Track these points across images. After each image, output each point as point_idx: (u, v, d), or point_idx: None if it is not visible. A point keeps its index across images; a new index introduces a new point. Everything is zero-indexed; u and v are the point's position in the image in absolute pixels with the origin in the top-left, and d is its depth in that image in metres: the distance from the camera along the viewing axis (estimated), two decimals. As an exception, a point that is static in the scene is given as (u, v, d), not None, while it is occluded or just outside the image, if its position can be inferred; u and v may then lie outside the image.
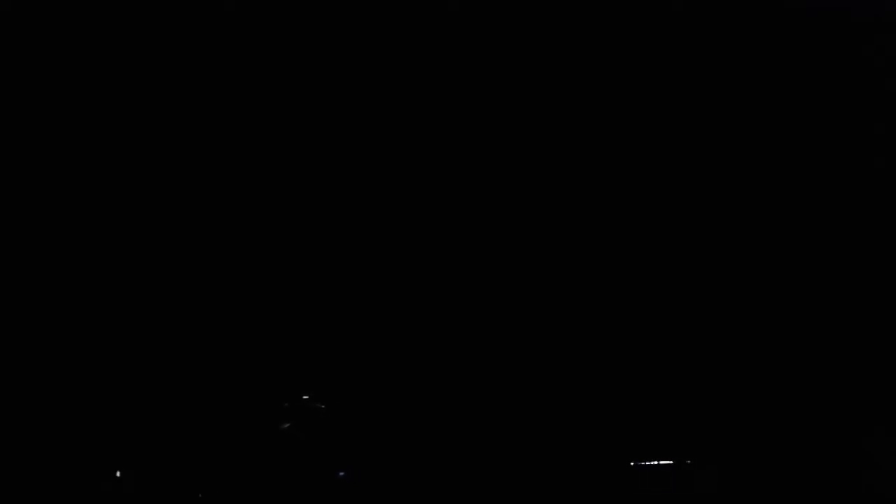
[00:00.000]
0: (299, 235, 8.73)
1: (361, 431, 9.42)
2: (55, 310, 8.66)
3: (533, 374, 9.60)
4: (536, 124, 8.04)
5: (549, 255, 9.00)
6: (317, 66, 7.27)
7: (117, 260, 8.64)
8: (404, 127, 7.95)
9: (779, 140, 7.80)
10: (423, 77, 7.55)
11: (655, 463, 9.60)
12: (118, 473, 8.98)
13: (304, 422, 9.15)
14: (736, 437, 9.27)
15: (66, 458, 8.84)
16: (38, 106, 7.29)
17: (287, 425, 9.11)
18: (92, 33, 6.65)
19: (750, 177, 8.09)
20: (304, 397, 9.19)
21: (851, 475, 8.77)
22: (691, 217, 8.48)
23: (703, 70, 7.62)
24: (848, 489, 8.74)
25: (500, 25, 7.34)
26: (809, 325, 8.74)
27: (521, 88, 7.81)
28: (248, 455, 9.13)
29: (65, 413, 8.91)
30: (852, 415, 8.77)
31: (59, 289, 8.63)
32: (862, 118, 7.40)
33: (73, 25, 6.56)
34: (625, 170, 8.28)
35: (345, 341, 9.37)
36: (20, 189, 7.84)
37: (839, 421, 8.84)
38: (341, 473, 9.20)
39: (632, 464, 9.61)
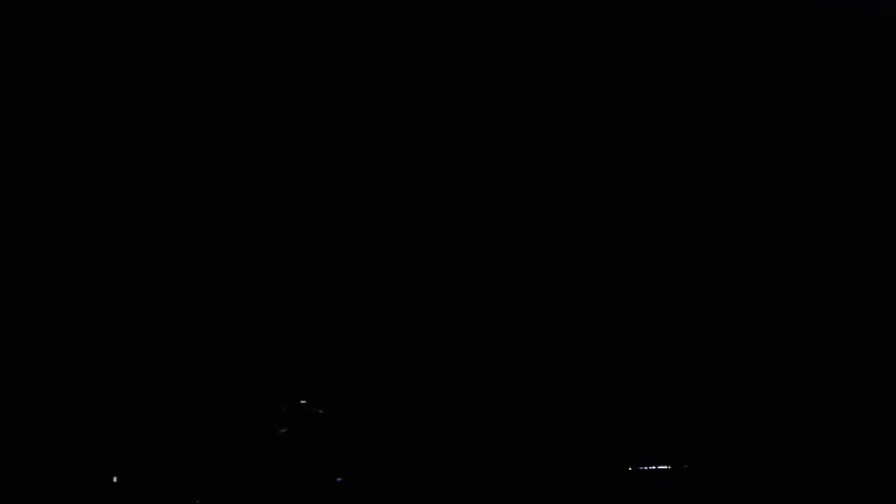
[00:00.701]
0: (296, 240, 8.67)
1: (359, 435, 9.33)
2: (52, 312, 8.56)
3: (531, 378, 9.54)
4: (536, 124, 8.01)
5: (546, 258, 8.96)
6: (316, 66, 7.23)
7: (113, 262, 8.55)
8: (404, 127, 7.91)
9: (779, 140, 7.79)
10: (423, 77, 7.52)
11: (654, 468, 9.55)
12: (115, 479, 8.85)
13: (301, 426, 9.06)
14: (735, 440, 9.23)
15: (63, 461, 8.72)
16: (38, 106, 7.23)
17: (284, 429, 9.01)
18: (92, 33, 6.60)
19: (749, 177, 8.08)
20: (302, 401, 9.11)
21: (851, 479, 8.74)
22: (691, 217, 8.46)
23: (703, 70, 7.62)
24: (847, 493, 8.71)
25: (500, 25, 7.32)
26: (809, 327, 8.72)
27: (521, 88, 7.79)
28: (246, 459, 9.02)
29: (61, 416, 8.79)
30: (851, 418, 8.75)
31: (56, 291, 8.53)
32: (862, 118, 7.40)
33: (73, 25, 6.51)
34: (624, 169, 8.26)
35: (342, 345, 9.29)
36: (20, 189, 7.76)
37: (838, 424, 8.81)
38: (339, 479, 9.10)
39: (630, 468, 9.56)
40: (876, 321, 8.32)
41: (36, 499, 8.45)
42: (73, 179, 7.84)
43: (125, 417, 8.96)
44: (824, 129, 7.60)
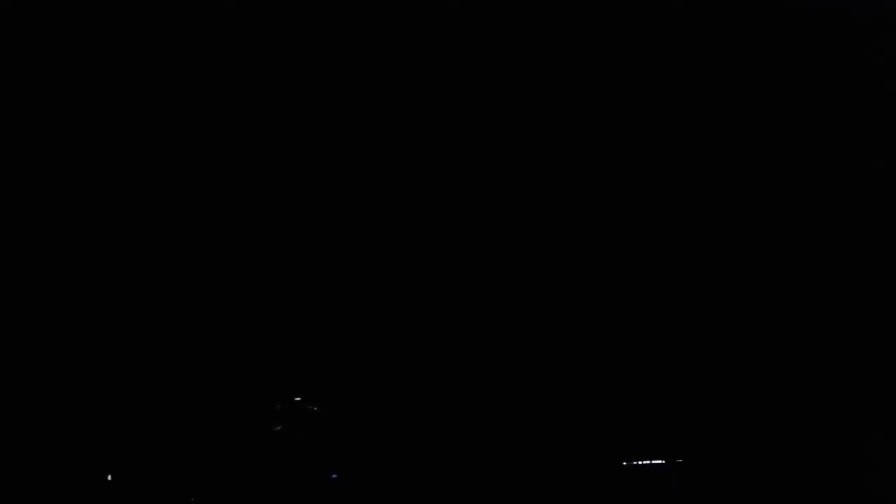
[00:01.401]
0: (290, 239, 8.68)
1: (355, 433, 9.34)
2: (48, 312, 8.57)
3: (527, 374, 9.54)
4: (536, 124, 8.02)
5: (540, 255, 8.97)
6: (316, 66, 7.23)
7: (109, 262, 8.55)
8: (404, 127, 7.92)
9: (778, 140, 7.80)
10: (423, 77, 7.53)
11: (648, 462, 9.55)
12: (109, 477, 8.85)
13: (296, 424, 9.06)
14: (734, 440, 9.22)
15: (57, 459, 8.72)
16: (38, 106, 7.24)
17: (279, 427, 9.01)
18: (92, 33, 6.61)
19: (749, 177, 8.08)
20: (297, 399, 9.11)
21: (850, 479, 8.73)
22: (691, 216, 8.46)
23: (703, 70, 7.62)
24: (847, 493, 8.70)
25: (500, 25, 7.33)
26: (808, 326, 8.72)
27: (521, 88, 7.80)
28: (241, 457, 9.02)
29: (56, 415, 8.79)
30: (851, 418, 8.74)
31: (52, 291, 8.54)
32: (862, 118, 7.40)
33: (73, 25, 6.52)
34: (623, 169, 8.26)
35: (337, 342, 9.30)
36: (20, 189, 7.78)
37: (838, 424, 8.81)
38: (334, 476, 9.10)
39: (624, 463, 9.56)
40: (876, 321, 8.32)
41: (32, 498, 8.46)
42: (72, 179, 7.85)
43: (120, 416, 8.97)
44: (824, 129, 7.61)
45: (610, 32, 7.45)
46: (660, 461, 9.46)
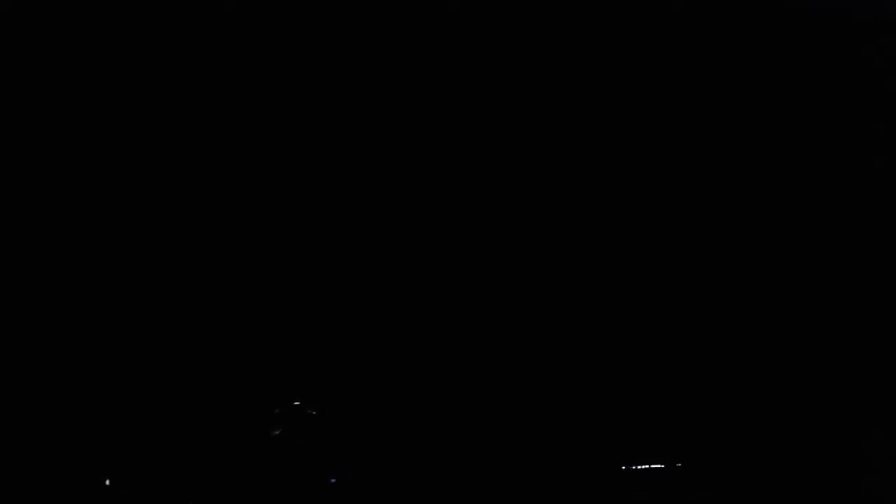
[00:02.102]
0: (288, 241, 8.67)
1: (354, 436, 9.31)
2: (47, 312, 8.54)
3: (526, 375, 9.54)
4: (536, 125, 8.02)
5: (538, 256, 8.97)
6: (316, 66, 7.23)
7: (107, 262, 8.53)
8: (403, 127, 7.92)
9: (778, 140, 7.81)
10: (423, 77, 7.53)
11: (647, 467, 9.55)
12: (107, 481, 8.81)
13: (295, 427, 9.03)
14: (733, 440, 9.23)
15: (55, 460, 8.68)
16: (38, 106, 7.23)
17: (278, 431, 8.98)
18: (92, 33, 6.60)
19: (749, 177, 8.09)
20: (296, 403, 9.08)
21: (850, 479, 8.74)
22: (690, 216, 8.47)
23: (703, 70, 7.64)
24: (847, 493, 8.71)
25: (500, 25, 7.33)
26: (808, 326, 8.72)
27: (521, 88, 7.80)
28: (239, 460, 8.99)
29: (55, 417, 8.75)
30: (851, 418, 8.75)
31: (51, 291, 8.51)
32: (862, 118, 7.42)
33: (73, 25, 6.51)
34: (622, 169, 8.27)
35: (336, 345, 9.28)
36: (20, 189, 7.75)
37: (838, 424, 8.82)
38: (332, 480, 9.07)
39: (623, 467, 9.56)
40: (876, 321, 8.33)
41: (31, 498, 8.42)
42: (72, 179, 7.83)
43: (118, 419, 8.93)
44: (824, 129, 7.62)
45: (610, 32, 7.47)
46: (659, 466, 9.46)
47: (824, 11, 6.99)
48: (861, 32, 7.00)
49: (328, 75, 7.21)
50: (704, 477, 9.29)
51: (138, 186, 8.02)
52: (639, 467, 9.47)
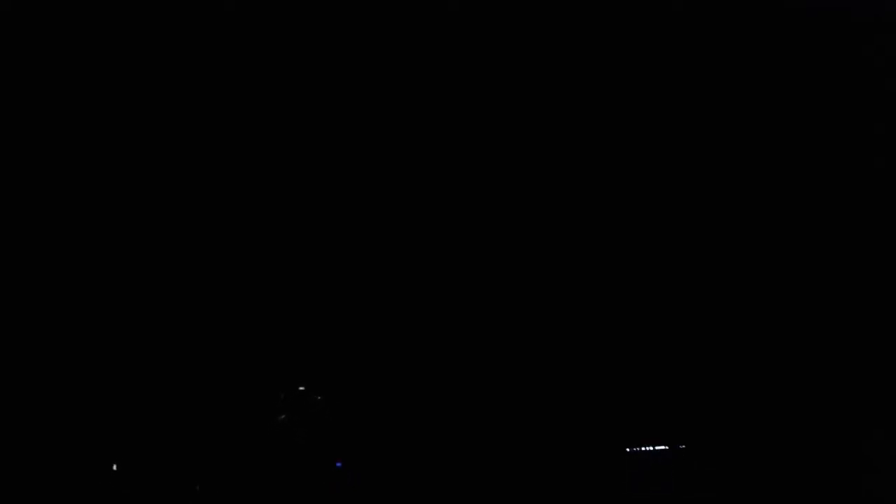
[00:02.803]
0: (295, 231, 8.79)
1: (359, 422, 9.46)
2: (53, 306, 8.75)
3: (528, 363, 9.61)
4: (536, 125, 8.07)
5: (541, 249, 9.02)
6: (316, 66, 7.32)
7: (114, 257, 8.71)
8: (403, 127, 8.00)
9: (779, 140, 7.79)
10: (423, 77, 7.60)
11: (650, 449, 9.58)
12: (115, 466, 9.03)
13: (300, 413, 9.20)
14: (734, 440, 9.23)
15: (63, 448, 8.91)
16: (38, 106, 7.37)
17: (283, 416, 9.16)
18: (92, 33, 6.73)
19: (750, 176, 8.08)
20: (301, 388, 9.24)
21: (851, 479, 8.71)
22: (692, 215, 8.48)
23: (703, 70, 7.62)
24: (847, 493, 8.68)
25: (500, 25, 7.38)
26: (808, 326, 8.70)
27: (521, 89, 7.85)
28: (245, 446, 9.18)
29: (61, 407, 8.98)
30: (852, 418, 8.72)
31: (57, 286, 8.72)
32: (862, 118, 7.37)
33: (73, 25, 6.63)
34: (623, 168, 8.30)
35: (340, 333, 9.41)
36: (20, 189, 7.93)
37: (838, 424, 8.79)
38: (338, 464, 9.24)
39: (627, 450, 9.59)
40: (876, 321, 8.28)
41: (38, 483, 8.64)
42: (72, 179, 8.01)
43: (126, 407, 9.13)
44: (824, 129, 7.58)
45: (610, 32, 7.48)
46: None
47: (824, 11, 6.95)
48: (861, 32, 6.95)
49: (328, 75, 7.31)
50: (706, 474, 9.32)
51: (145, 184, 8.20)
52: (642, 450, 9.53)
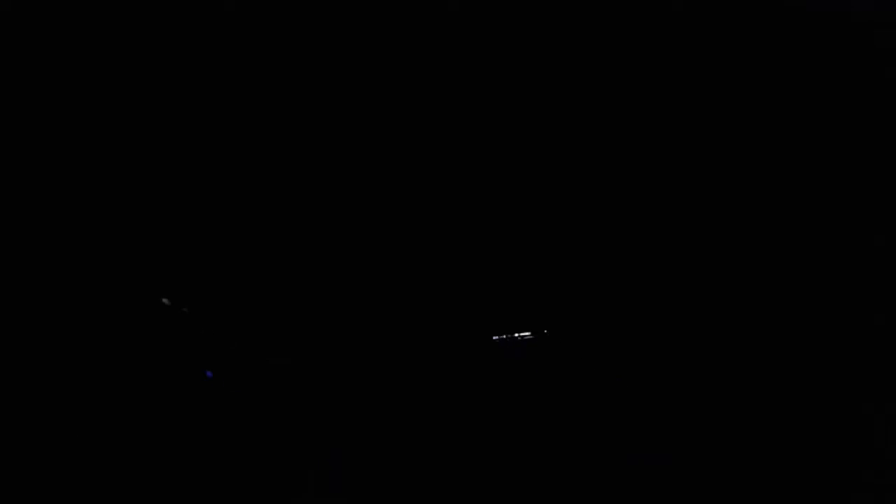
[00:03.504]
0: (289, 232, 8.75)
1: (355, 421, 9.42)
2: (53, 306, 8.69)
3: (529, 363, 9.59)
4: (537, 125, 8.06)
5: (541, 249, 9.02)
6: (316, 66, 7.29)
7: (112, 256, 8.67)
8: (403, 127, 7.98)
9: (778, 140, 7.80)
10: (422, 77, 7.58)
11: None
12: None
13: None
14: (734, 440, 9.25)
15: (59, 441, 8.85)
16: (38, 106, 7.33)
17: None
18: (92, 33, 6.69)
19: (749, 177, 8.10)
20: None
21: (850, 479, 8.74)
22: (692, 215, 8.49)
23: (703, 70, 7.64)
24: (847, 493, 8.71)
25: (500, 25, 7.37)
26: (808, 326, 8.72)
27: (521, 89, 7.84)
28: (237, 441, 9.12)
29: (61, 407, 8.92)
30: (851, 418, 8.75)
31: (57, 286, 8.66)
32: (862, 118, 7.39)
33: (72, 25, 6.59)
34: (623, 169, 8.30)
35: (338, 333, 9.38)
36: (20, 189, 7.88)
37: (838, 424, 8.82)
38: (209, 374, 9.13)
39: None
40: (876, 321, 8.31)
41: (34, 471, 8.58)
42: (72, 179, 7.96)
43: (123, 407, 9.07)
44: (824, 129, 7.61)
45: (610, 32, 7.48)
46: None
47: (824, 11, 6.97)
48: (861, 32, 6.98)
49: (328, 75, 7.28)
50: (704, 475, 9.33)
51: (142, 186, 8.15)
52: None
